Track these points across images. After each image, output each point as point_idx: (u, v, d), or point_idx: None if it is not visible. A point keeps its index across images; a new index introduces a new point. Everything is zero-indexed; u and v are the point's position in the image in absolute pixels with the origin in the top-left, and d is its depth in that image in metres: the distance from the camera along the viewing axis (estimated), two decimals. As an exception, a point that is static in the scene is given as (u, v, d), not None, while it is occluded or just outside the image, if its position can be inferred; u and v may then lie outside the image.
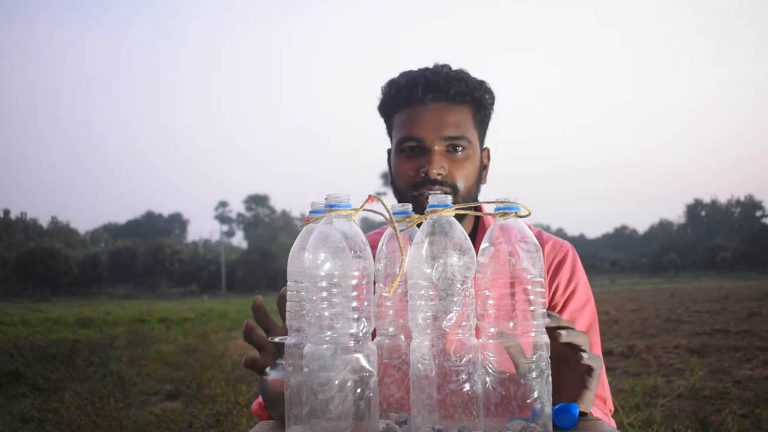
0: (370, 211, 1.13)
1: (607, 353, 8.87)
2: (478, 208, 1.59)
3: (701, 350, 10.10)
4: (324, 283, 1.01)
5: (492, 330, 1.10)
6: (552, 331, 1.26)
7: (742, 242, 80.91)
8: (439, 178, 1.55)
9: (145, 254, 63.18)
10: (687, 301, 23.16)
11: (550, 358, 1.31)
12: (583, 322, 1.64)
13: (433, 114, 1.58)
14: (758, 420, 5.38)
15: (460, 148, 1.58)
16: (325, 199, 1.06)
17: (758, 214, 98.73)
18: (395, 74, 1.70)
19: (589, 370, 1.26)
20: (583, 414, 1.28)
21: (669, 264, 79.05)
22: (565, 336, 1.23)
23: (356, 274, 1.01)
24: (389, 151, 1.71)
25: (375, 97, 1.71)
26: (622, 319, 16.45)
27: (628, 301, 25.06)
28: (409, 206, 1.21)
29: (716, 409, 5.81)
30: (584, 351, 1.25)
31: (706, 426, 4.93)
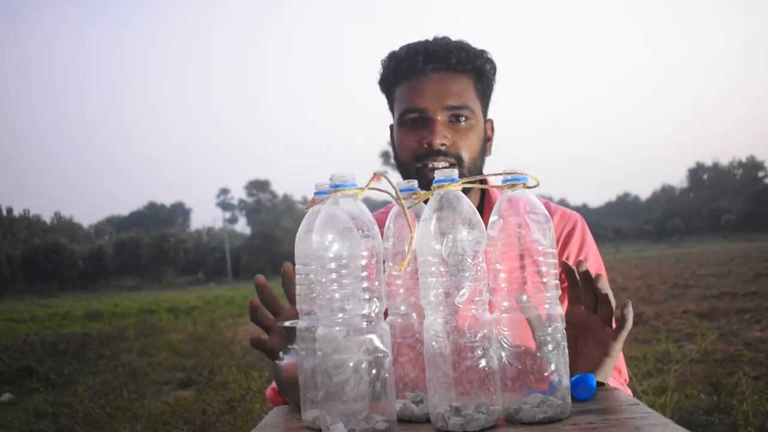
0: (375, 189, 1.11)
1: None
2: (484, 181, 1.57)
3: (709, 314, 10.10)
4: (333, 265, 0.99)
5: (505, 304, 1.09)
6: (587, 279, 1.24)
7: (745, 204, 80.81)
8: (442, 148, 1.53)
9: (150, 245, 63.19)
10: (693, 266, 23.12)
11: (569, 324, 1.30)
12: None
13: (434, 84, 1.56)
14: (771, 381, 5.38)
15: (463, 118, 1.56)
16: (330, 179, 1.04)
17: (761, 174, 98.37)
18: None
19: (617, 333, 1.25)
20: (600, 384, 1.27)
21: (673, 229, 78.95)
22: (604, 284, 1.21)
23: (365, 254, 0.99)
24: (391, 127, 1.68)
25: (376, 72, 1.68)
26: (629, 286, 16.45)
27: (633, 268, 25.03)
28: (415, 182, 1.19)
29: (728, 372, 5.80)
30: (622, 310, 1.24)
31: (719, 389, 4.93)
